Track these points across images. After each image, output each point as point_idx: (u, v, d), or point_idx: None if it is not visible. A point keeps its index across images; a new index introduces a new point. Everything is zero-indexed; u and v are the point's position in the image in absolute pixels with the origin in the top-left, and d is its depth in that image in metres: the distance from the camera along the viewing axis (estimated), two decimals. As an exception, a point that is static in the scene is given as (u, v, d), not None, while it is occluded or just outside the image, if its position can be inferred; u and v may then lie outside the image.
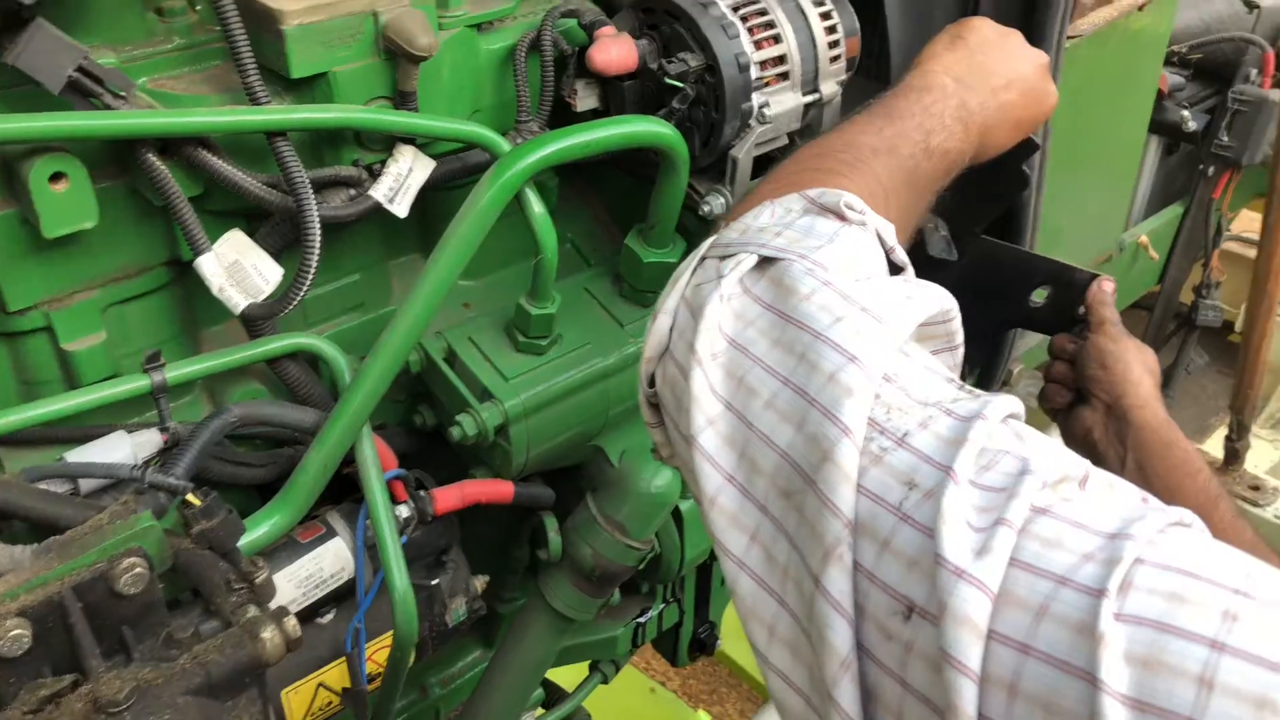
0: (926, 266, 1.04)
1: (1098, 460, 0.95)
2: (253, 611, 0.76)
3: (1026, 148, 0.93)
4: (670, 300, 0.61)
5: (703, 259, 0.62)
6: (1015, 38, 0.88)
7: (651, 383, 0.63)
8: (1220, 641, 0.39)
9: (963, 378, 1.00)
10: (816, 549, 0.49)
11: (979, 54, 0.84)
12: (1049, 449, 0.49)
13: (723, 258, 0.60)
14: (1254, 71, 1.62)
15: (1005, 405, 0.51)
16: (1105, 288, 1.03)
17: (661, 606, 1.28)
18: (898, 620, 0.46)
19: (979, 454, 0.48)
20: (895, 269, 0.64)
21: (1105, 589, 0.41)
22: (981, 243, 1.09)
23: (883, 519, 0.48)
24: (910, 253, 0.93)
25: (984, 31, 0.86)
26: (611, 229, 1.16)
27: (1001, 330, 1.25)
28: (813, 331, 0.54)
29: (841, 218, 0.61)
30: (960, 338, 0.62)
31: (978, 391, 0.54)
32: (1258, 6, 1.64)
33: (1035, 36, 1.12)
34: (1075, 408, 1.01)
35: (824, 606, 0.48)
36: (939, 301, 0.58)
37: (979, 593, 0.43)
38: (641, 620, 1.27)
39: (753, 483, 0.53)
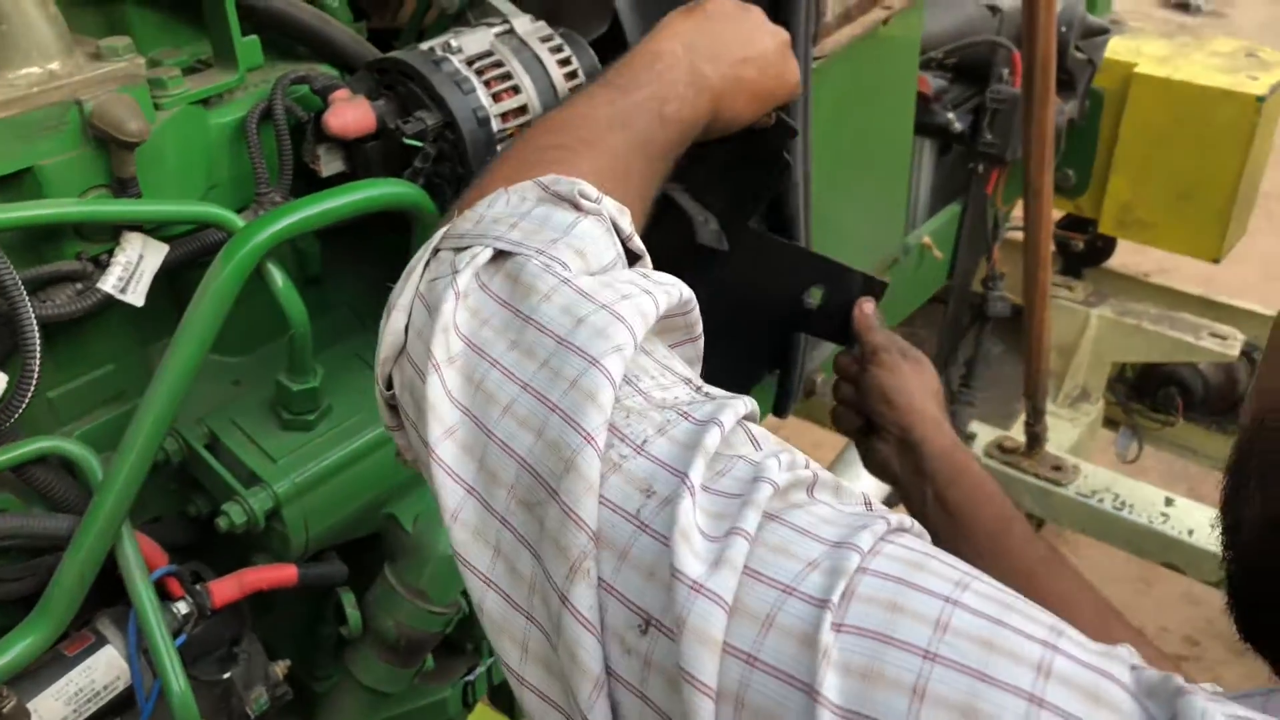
0: (696, 255, 1.04)
1: (904, 493, 0.98)
2: (1, 745, 0.72)
3: (783, 130, 0.92)
4: (404, 296, 0.59)
5: (436, 251, 0.59)
6: (755, 13, 0.87)
7: (389, 384, 0.60)
8: (932, 651, 0.40)
9: (754, 384, 1.02)
10: (561, 564, 0.48)
11: (716, 23, 0.83)
12: (781, 453, 0.49)
13: (457, 250, 0.58)
14: (1005, 71, 1.72)
15: (740, 407, 0.51)
16: (866, 310, 1.01)
17: (490, 660, 1.27)
18: (635, 633, 0.46)
19: (713, 459, 0.48)
20: (632, 256, 0.63)
21: (828, 599, 0.42)
22: (752, 235, 1.08)
23: (621, 528, 0.47)
24: (678, 242, 0.90)
25: (723, 4, 0.85)
26: (386, 289, 1.14)
27: (782, 332, 1.26)
28: (554, 335, 0.53)
29: (577, 207, 0.60)
30: (700, 328, 0.61)
31: (714, 392, 0.54)
32: (999, 9, 1.75)
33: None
34: (869, 437, 1.00)
35: (572, 624, 0.47)
36: (678, 292, 0.57)
37: (715, 606, 0.43)
38: (470, 678, 1.25)
39: (493, 494, 0.52)
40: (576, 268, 0.56)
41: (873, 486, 1.29)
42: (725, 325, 0.84)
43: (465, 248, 0.58)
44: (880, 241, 1.64)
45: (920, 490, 0.94)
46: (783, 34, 0.88)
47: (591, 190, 0.61)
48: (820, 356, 1.49)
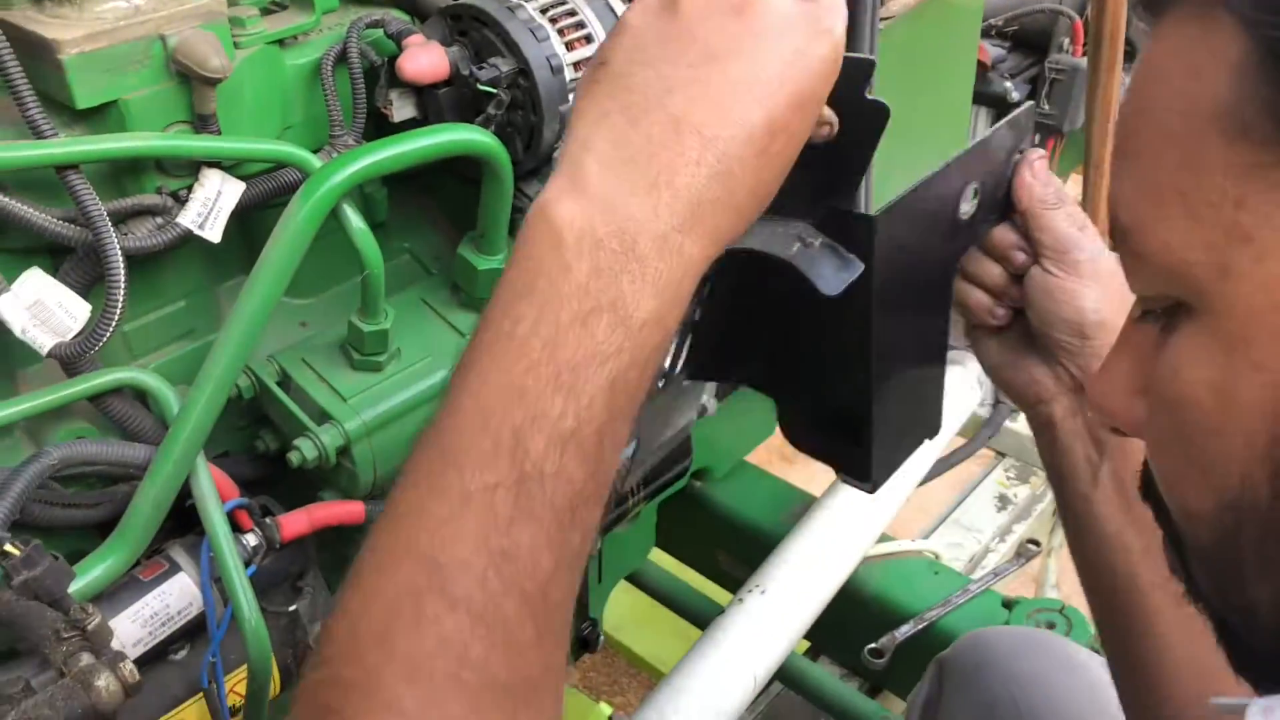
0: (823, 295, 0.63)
1: (1056, 459, 0.76)
2: (86, 659, 0.74)
3: (862, 68, 0.58)
4: None
5: None
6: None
7: None
8: None
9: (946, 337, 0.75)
10: None
11: (703, 69, 0.50)
12: None
13: None
14: (1066, 41, 1.71)
15: None
16: (1038, 171, 0.72)
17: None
18: None
19: None
20: None
21: None
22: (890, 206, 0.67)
23: None
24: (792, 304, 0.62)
25: (649, 32, 0.51)
26: (451, 235, 1.15)
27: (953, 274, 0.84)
28: None
29: None
30: None
31: None
32: (1062, -24, 1.73)
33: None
34: (1022, 353, 0.77)
35: None
36: None
37: None
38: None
39: None
40: None
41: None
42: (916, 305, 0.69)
43: None
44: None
45: (1093, 465, 0.74)
46: (834, 27, 0.53)
47: None
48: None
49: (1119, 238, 0.49)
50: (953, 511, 2.01)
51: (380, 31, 0.94)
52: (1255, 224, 0.41)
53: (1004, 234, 0.75)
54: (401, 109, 0.96)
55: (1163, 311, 0.48)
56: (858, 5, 1.14)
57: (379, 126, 0.97)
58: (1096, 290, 0.72)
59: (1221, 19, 0.41)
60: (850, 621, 1.50)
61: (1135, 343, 0.52)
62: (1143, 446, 0.61)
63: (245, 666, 0.94)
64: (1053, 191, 0.73)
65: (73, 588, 0.80)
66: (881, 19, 1.25)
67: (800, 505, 1.58)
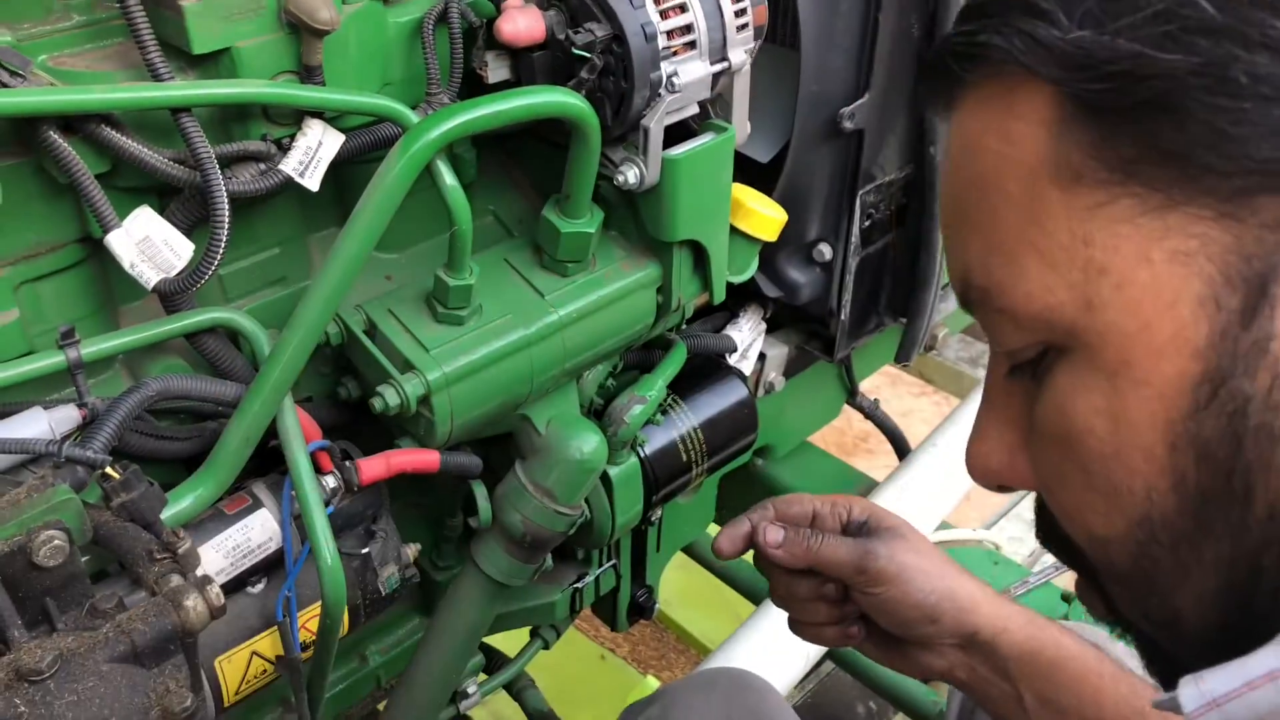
0: None
1: (985, 697, 0.80)
2: (176, 581, 0.78)
3: None
4: None
5: None
6: None
7: None
8: None
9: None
10: None
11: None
12: None
13: None
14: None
15: None
16: (768, 536, 0.80)
17: (598, 571, 1.31)
18: None
19: None
20: None
21: None
22: None
23: None
24: None
25: None
26: (534, 199, 1.17)
27: None
28: None
29: None
30: None
31: None
32: None
33: None
34: (897, 642, 0.81)
35: None
36: None
37: None
38: (579, 585, 1.29)
39: None
40: None
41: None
42: None
43: None
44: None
45: (1013, 694, 0.77)
46: None
47: None
48: (947, 310, 1.49)
49: (976, 301, 0.51)
50: (1015, 506, 1.99)
51: (480, -8, 0.96)
52: (1107, 256, 0.44)
53: (803, 584, 0.81)
54: (496, 70, 0.98)
55: (1031, 362, 0.50)
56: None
57: (471, 87, 0.99)
58: (916, 578, 0.76)
59: (1027, 86, 0.46)
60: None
61: (1004, 402, 0.54)
62: (1053, 655, 0.71)
63: (317, 604, 0.97)
64: (802, 546, 0.78)
65: (164, 515, 0.84)
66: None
67: (861, 489, 1.58)
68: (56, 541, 0.71)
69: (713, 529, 1.73)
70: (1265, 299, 0.42)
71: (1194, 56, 0.41)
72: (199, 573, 0.82)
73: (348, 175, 0.98)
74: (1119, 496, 0.47)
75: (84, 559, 0.76)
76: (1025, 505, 1.97)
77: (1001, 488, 0.58)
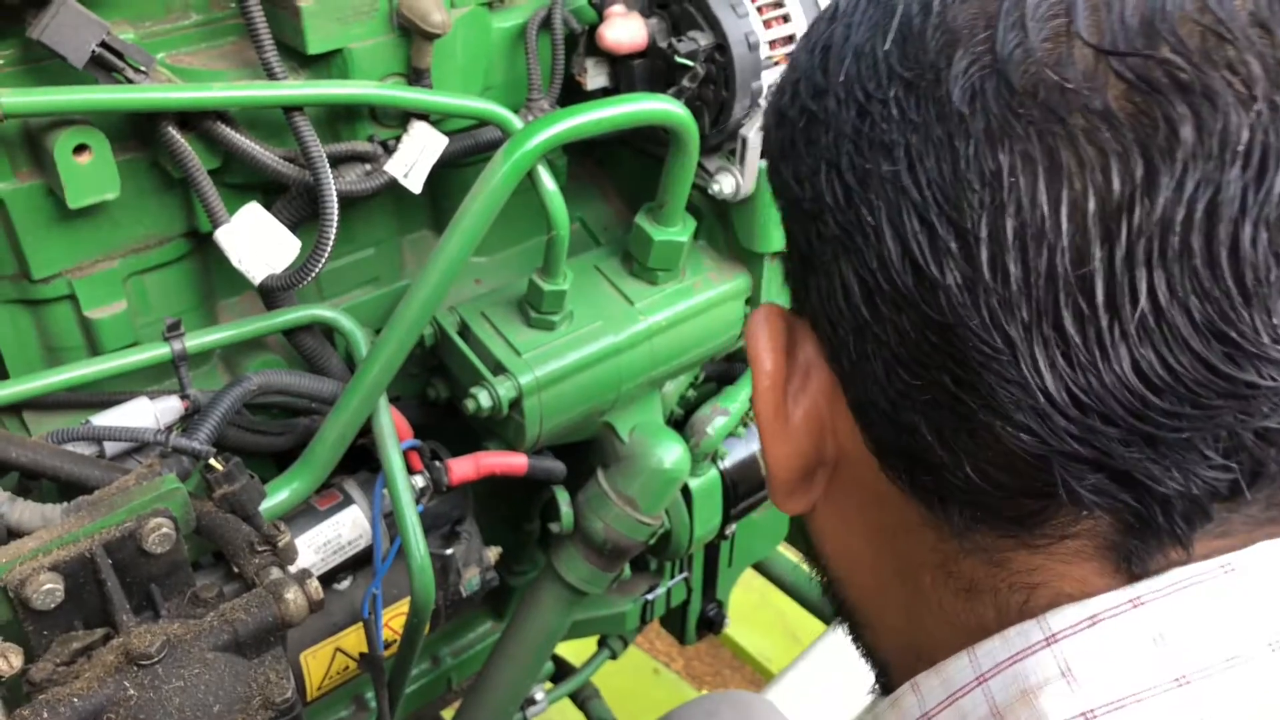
0: None
1: None
2: (276, 573, 0.78)
3: None
4: None
5: None
6: None
7: None
8: None
9: None
10: None
11: None
12: None
13: None
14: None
15: None
16: None
17: (670, 583, 1.30)
18: None
19: None
20: None
21: None
22: None
23: None
24: None
25: None
26: (620, 208, 1.17)
27: None
28: None
29: None
30: None
31: None
32: None
33: None
34: None
35: None
36: None
37: None
38: (650, 597, 1.29)
39: None
40: None
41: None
42: None
43: None
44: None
45: None
46: None
47: None
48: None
49: None
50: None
51: (584, 0, 0.96)
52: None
53: None
54: (595, 77, 0.98)
55: None
56: None
57: (569, 93, 1.00)
58: None
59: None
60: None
61: None
62: None
63: (400, 603, 0.98)
64: None
65: (261, 508, 0.85)
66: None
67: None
68: (165, 529, 0.72)
69: (783, 547, 1.72)
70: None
71: None
72: (294, 568, 0.83)
73: (442, 179, 0.99)
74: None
75: (185, 548, 0.77)
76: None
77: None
